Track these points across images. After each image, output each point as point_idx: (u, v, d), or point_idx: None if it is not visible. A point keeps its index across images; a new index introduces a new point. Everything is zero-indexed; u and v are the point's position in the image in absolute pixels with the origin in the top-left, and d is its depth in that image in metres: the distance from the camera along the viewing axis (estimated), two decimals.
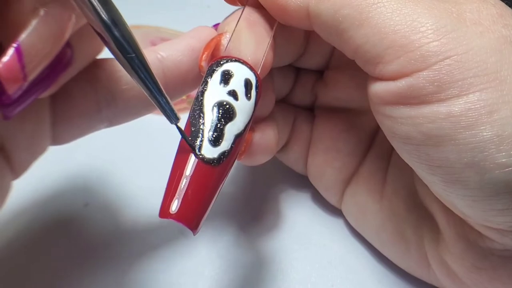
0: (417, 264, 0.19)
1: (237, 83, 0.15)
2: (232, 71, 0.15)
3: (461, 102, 0.13)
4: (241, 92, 0.15)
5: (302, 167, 0.23)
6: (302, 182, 0.24)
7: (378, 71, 0.15)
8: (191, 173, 0.14)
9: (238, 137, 0.15)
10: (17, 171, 0.16)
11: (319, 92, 0.22)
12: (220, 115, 0.14)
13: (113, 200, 0.23)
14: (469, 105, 0.13)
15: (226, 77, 0.15)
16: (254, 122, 0.19)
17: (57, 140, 0.18)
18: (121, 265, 0.20)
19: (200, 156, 0.14)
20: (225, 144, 0.14)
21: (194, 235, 0.14)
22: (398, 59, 0.14)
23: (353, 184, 0.21)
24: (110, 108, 0.17)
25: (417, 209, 0.19)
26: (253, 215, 0.23)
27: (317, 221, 0.23)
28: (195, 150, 0.14)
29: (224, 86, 0.15)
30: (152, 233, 0.22)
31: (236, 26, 0.17)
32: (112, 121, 0.18)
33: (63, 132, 0.17)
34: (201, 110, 0.15)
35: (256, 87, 0.16)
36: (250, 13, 0.17)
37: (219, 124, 0.14)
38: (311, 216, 0.23)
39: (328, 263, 0.21)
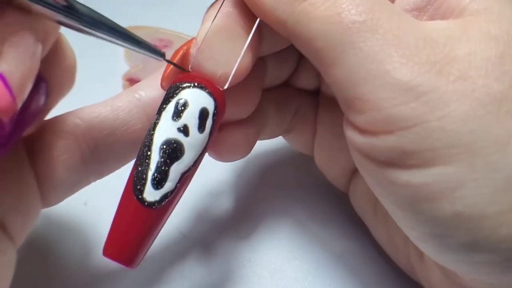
0: (407, 267, 0.19)
1: (190, 116, 0.14)
2: (188, 101, 0.14)
3: (421, 174, 0.12)
4: (193, 125, 0.14)
5: (309, 151, 0.22)
6: (300, 180, 0.25)
7: (347, 116, 0.14)
8: (131, 216, 0.14)
9: (186, 174, 0.14)
10: (15, 238, 0.16)
11: (323, 81, 0.21)
12: (166, 156, 0.14)
13: (112, 199, 0.23)
14: (430, 178, 0.12)
15: (179, 109, 0.14)
16: (229, 122, 0.18)
17: (47, 199, 0.17)
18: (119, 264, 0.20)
19: (142, 200, 0.14)
20: (169, 185, 0.14)
21: (133, 269, 0.15)
22: (364, 115, 0.13)
23: (355, 178, 0.21)
24: (95, 158, 0.17)
25: None
26: (250, 213, 0.23)
27: (315, 220, 0.23)
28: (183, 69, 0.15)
29: (176, 121, 0.14)
30: None
31: (209, 28, 0.15)
32: (100, 172, 0.18)
33: (52, 190, 0.17)
34: (149, 148, 0.14)
35: (214, 115, 0.15)
36: (229, 7, 0.15)
37: (164, 166, 0.14)
38: (309, 215, 0.23)
39: (326, 262, 0.21)
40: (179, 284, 0.20)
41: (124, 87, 0.31)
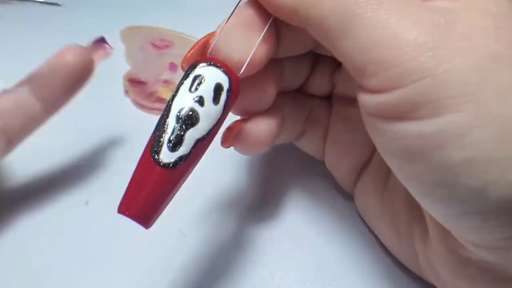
0: (408, 256, 0.20)
1: (206, 89, 0.15)
2: (204, 76, 0.15)
3: (433, 123, 0.13)
4: (208, 97, 0.15)
5: (320, 155, 0.24)
6: (301, 181, 0.25)
7: (362, 83, 0.15)
8: (147, 175, 0.15)
9: (200, 142, 0.15)
10: None
11: (338, 81, 0.22)
12: (182, 121, 0.15)
13: (113, 199, 0.23)
14: (441, 126, 0.13)
15: (196, 84, 0.15)
16: (250, 114, 0.20)
17: None
18: (120, 263, 0.21)
19: (158, 160, 0.15)
20: (183, 149, 0.15)
21: (146, 229, 0.15)
22: (376, 76, 0.14)
23: (364, 173, 0.22)
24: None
25: (412, 207, 0.19)
26: (251, 213, 0.23)
27: (316, 220, 0.23)
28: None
29: (192, 93, 0.15)
30: (152, 231, 0.22)
31: (226, 22, 0.17)
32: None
33: None
34: (167, 115, 0.15)
35: (228, 91, 0.16)
36: (244, 6, 0.17)
37: (179, 131, 0.15)
38: (310, 215, 0.23)
39: (326, 262, 0.21)
40: (180, 283, 0.20)
41: (125, 87, 0.31)
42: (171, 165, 0.15)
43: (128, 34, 0.36)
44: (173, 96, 0.15)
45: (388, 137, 0.14)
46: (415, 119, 0.13)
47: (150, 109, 0.29)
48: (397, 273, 0.21)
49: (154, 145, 0.15)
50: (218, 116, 0.16)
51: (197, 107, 0.15)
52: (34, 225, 0.22)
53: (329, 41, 0.15)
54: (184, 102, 0.15)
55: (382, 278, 0.21)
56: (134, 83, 0.31)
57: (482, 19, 0.14)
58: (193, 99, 0.15)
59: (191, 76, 0.16)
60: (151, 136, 0.15)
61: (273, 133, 0.20)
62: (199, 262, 0.21)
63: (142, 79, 0.31)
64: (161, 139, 0.15)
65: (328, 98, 0.23)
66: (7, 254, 0.21)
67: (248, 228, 0.22)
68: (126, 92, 0.31)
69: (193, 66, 0.16)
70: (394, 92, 0.14)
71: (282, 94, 0.21)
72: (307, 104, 0.22)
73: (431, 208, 0.15)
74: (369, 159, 0.22)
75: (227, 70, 0.16)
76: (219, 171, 0.25)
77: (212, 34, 0.17)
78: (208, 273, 0.20)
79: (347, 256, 0.22)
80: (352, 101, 0.22)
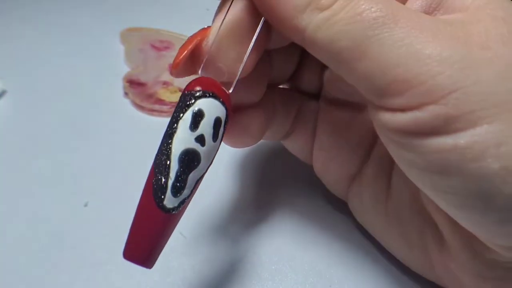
0: (420, 264, 0.19)
1: (206, 126, 0.15)
2: (204, 111, 0.15)
3: (467, 135, 0.13)
4: (208, 135, 0.15)
5: (307, 157, 0.23)
6: (300, 183, 0.25)
7: (383, 103, 0.14)
8: (151, 222, 0.15)
9: (199, 180, 0.15)
10: None
11: (327, 80, 0.22)
12: (185, 165, 0.15)
13: (112, 200, 0.23)
14: (476, 137, 0.13)
15: (196, 120, 0.15)
16: (240, 107, 0.19)
17: None
18: (120, 265, 0.20)
19: (162, 207, 0.15)
20: (186, 192, 0.15)
21: (149, 269, 0.16)
22: (403, 94, 0.13)
23: (357, 182, 0.21)
24: None
25: (421, 215, 0.19)
26: (250, 216, 0.23)
27: (316, 222, 0.23)
28: None
29: (193, 131, 0.15)
30: None
31: (219, 26, 0.16)
32: None
33: None
34: (168, 157, 0.15)
35: (225, 123, 0.16)
36: (237, 7, 0.16)
37: (183, 175, 0.15)
38: (310, 216, 0.23)
39: (326, 263, 0.21)
40: (179, 285, 0.20)
41: (125, 89, 0.31)
42: (174, 210, 0.15)
43: (128, 35, 0.36)
44: (172, 133, 0.15)
45: (419, 152, 0.14)
46: (450, 132, 0.13)
47: (150, 111, 0.29)
48: (397, 274, 0.21)
49: (157, 190, 0.15)
50: (216, 151, 0.16)
51: (198, 148, 0.15)
52: (34, 225, 0.22)
53: (341, 64, 0.14)
54: (185, 142, 0.15)
55: (382, 279, 0.21)
56: (134, 84, 0.31)
57: (496, 27, 0.14)
58: (195, 138, 0.15)
59: (189, 111, 0.15)
60: (150, 177, 0.15)
61: (261, 125, 0.20)
62: (198, 264, 0.21)
63: (142, 80, 0.31)
64: (165, 185, 0.15)
65: (318, 98, 0.22)
66: (7, 254, 0.21)
67: (247, 230, 0.22)
68: (126, 93, 0.31)
69: (189, 96, 0.15)
70: (425, 109, 0.13)
71: (273, 89, 0.21)
72: (296, 101, 0.22)
73: (464, 218, 0.15)
74: (359, 170, 0.21)
75: (224, 99, 0.15)
76: (218, 174, 0.25)
77: (201, 34, 0.16)
78: (207, 275, 0.20)
79: (347, 257, 0.21)
80: (338, 105, 0.21)
